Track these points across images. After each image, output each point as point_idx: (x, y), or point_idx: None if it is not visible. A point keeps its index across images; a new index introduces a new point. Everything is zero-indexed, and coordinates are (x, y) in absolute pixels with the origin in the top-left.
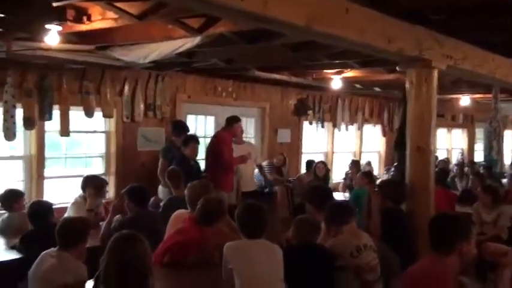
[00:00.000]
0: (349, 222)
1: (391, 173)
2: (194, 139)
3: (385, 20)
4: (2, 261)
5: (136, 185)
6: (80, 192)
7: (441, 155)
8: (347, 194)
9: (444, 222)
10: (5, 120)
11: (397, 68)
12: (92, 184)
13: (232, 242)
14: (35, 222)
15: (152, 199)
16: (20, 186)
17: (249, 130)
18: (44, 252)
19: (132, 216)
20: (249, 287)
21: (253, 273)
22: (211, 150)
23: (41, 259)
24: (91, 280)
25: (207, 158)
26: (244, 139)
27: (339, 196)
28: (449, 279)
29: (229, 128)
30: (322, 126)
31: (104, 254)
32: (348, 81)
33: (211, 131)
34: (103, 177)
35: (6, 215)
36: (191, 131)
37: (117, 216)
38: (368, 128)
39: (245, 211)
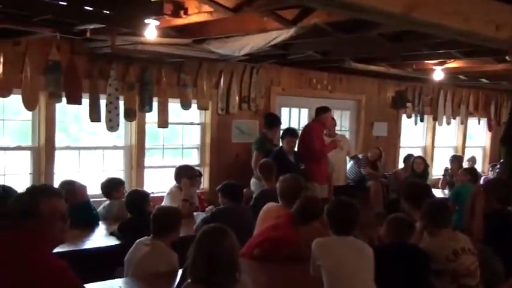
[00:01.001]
0: (448, 227)
1: (497, 170)
2: (289, 133)
3: (493, 5)
4: (102, 247)
5: (230, 182)
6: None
7: None
8: (447, 191)
9: None
10: (108, 111)
11: (507, 57)
12: (186, 174)
13: (322, 238)
14: (132, 211)
15: (244, 191)
16: (121, 175)
17: (344, 123)
18: (139, 240)
19: (223, 209)
20: (337, 285)
21: (342, 271)
22: (302, 141)
23: (135, 247)
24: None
25: (299, 150)
26: (337, 132)
27: (438, 193)
28: None
29: (319, 118)
30: (422, 120)
31: (191, 246)
32: (451, 72)
33: (304, 124)
34: (198, 168)
35: (107, 202)
36: (284, 124)
37: (210, 207)
38: (472, 121)
39: (336, 207)
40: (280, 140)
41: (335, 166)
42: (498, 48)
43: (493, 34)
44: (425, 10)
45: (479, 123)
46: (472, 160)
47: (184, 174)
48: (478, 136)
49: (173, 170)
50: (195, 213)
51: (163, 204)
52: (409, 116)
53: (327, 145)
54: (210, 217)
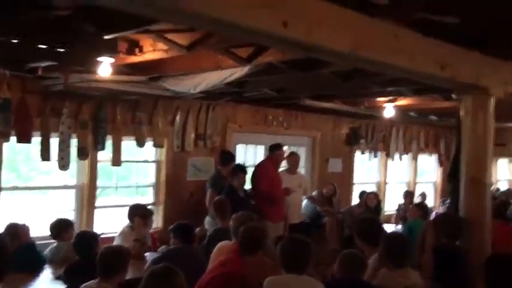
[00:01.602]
0: (406, 265)
1: (447, 205)
2: (240, 169)
3: (437, 45)
4: None
5: (182, 222)
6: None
7: (503, 187)
8: (399, 227)
9: (499, 263)
10: (61, 150)
11: (453, 95)
12: (139, 213)
13: (274, 277)
14: (80, 253)
15: (197, 230)
16: (72, 215)
17: (301, 160)
18: (85, 284)
19: (173, 249)
20: None
21: None
22: (251, 180)
23: None
24: None
25: (252, 188)
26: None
27: (391, 228)
28: None
29: (272, 155)
30: (375, 156)
31: None
32: (402, 110)
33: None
34: (152, 206)
35: (55, 244)
36: (241, 161)
37: (163, 247)
38: (423, 157)
39: (289, 244)
40: (231, 175)
41: (290, 204)
42: (444, 87)
43: (437, 73)
44: (371, 49)
45: (430, 159)
46: (423, 195)
47: (137, 213)
48: (429, 172)
49: (126, 210)
50: (146, 254)
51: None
52: (363, 152)
53: (279, 189)
54: (159, 258)
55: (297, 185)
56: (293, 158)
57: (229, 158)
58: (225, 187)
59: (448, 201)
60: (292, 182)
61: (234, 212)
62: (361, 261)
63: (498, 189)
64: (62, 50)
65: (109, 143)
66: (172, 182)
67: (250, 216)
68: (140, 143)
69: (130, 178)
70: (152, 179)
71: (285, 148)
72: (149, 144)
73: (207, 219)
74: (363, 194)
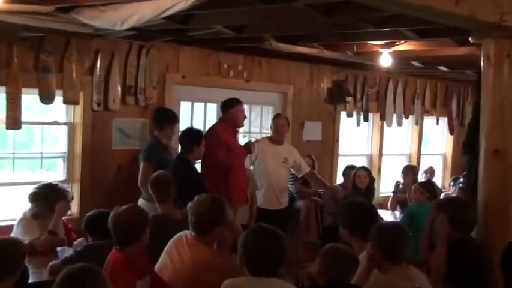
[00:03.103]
0: (402, 263)
1: (459, 185)
2: (200, 138)
3: None
4: None
5: (96, 214)
6: (29, 205)
7: None
8: (398, 213)
9: None
10: None
11: (470, 38)
12: (61, 196)
13: (233, 279)
14: None
15: None
16: None
17: (265, 123)
18: None
19: (93, 246)
20: None
21: None
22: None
23: None
24: None
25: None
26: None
27: (387, 215)
28: None
29: (225, 116)
30: (366, 120)
31: None
32: (402, 57)
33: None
34: (65, 185)
35: None
36: (186, 124)
37: (80, 239)
38: (429, 122)
39: (252, 239)
40: (182, 146)
41: (273, 183)
42: (459, 27)
43: (451, 9)
44: None
45: (437, 124)
46: (430, 172)
47: (59, 195)
48: (437, 141)
49: (29, 188)
50: (58, 249)
51: (12, 235)
52: (349, 115)
53: (237, 160)
54: (74, 256)
55: (281, 159)
56: (279, 121)
57: (169, 117)
58: (176, 158)
59: (461, 180)
60: (277, 155)
61: (188, 194)
62: (352, 259)
63: None
64: None
65: (2, 97)
66: (92, 151)
67: (220, 201)
68: (46, 98)
69: (33, 146)
70: (63, 147)
71: (245, 107)
72: (59, 99)
73: (140, 201)
74: (349, 170)
